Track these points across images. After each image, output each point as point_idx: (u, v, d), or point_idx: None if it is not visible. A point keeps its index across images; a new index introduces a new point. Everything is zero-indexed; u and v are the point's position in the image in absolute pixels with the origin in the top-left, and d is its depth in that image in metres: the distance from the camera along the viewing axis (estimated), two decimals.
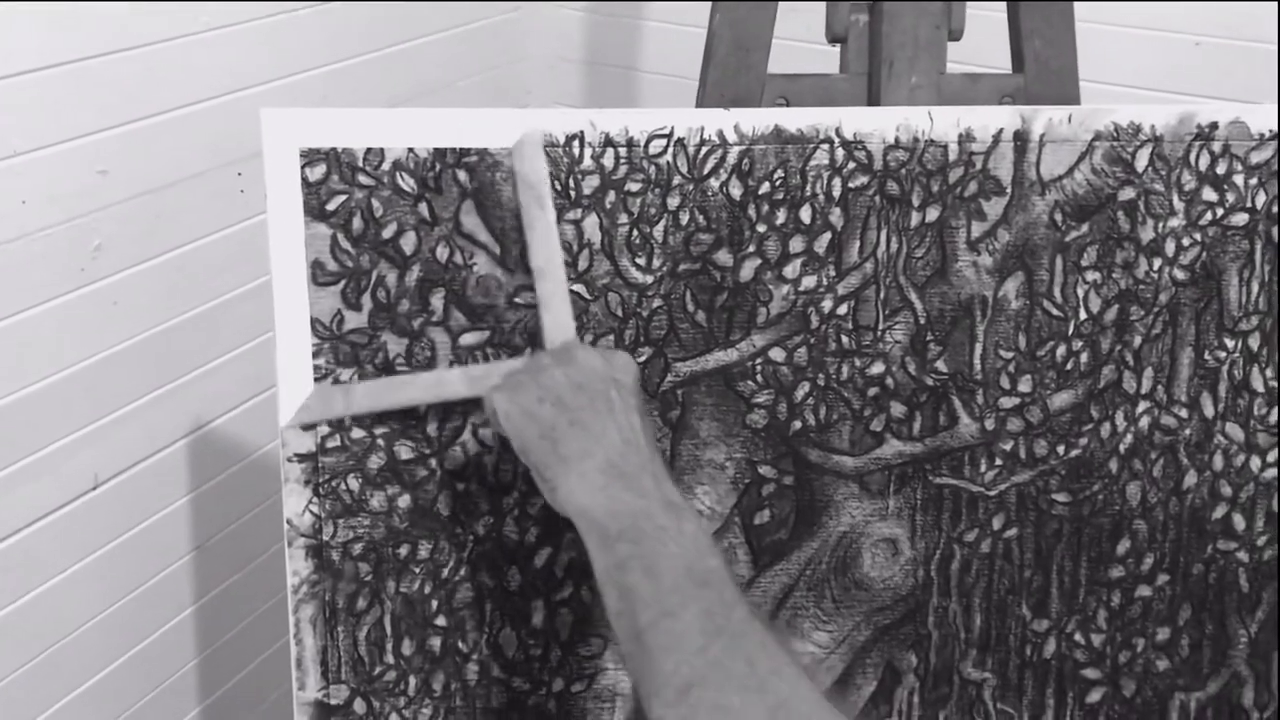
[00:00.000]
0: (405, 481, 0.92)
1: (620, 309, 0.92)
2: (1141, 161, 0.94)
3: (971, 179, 0.93)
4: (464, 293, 0.91)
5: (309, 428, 0.90)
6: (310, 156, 0.89)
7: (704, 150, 0.91)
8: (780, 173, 0.92)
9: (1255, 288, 0.96)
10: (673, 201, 0.92)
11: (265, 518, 1.64)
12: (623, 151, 0.91)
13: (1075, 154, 0.94)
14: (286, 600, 0.92)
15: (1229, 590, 0.99)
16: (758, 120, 0.92)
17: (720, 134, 0.91)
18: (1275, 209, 0.95)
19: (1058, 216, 0.94)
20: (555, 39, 1.98)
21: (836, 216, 0.93)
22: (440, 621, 0.93)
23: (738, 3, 1.02)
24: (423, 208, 0.90)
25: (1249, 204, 0.95)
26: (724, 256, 0.93)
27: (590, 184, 0.91)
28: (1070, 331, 0.96)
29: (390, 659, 0.93)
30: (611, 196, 0.91)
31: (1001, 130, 0.93)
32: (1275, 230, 0.96)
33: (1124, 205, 0.94)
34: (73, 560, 1.41)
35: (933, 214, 0.94)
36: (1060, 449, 0.97)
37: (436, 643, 0.94)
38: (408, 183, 0.89)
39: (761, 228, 0.93)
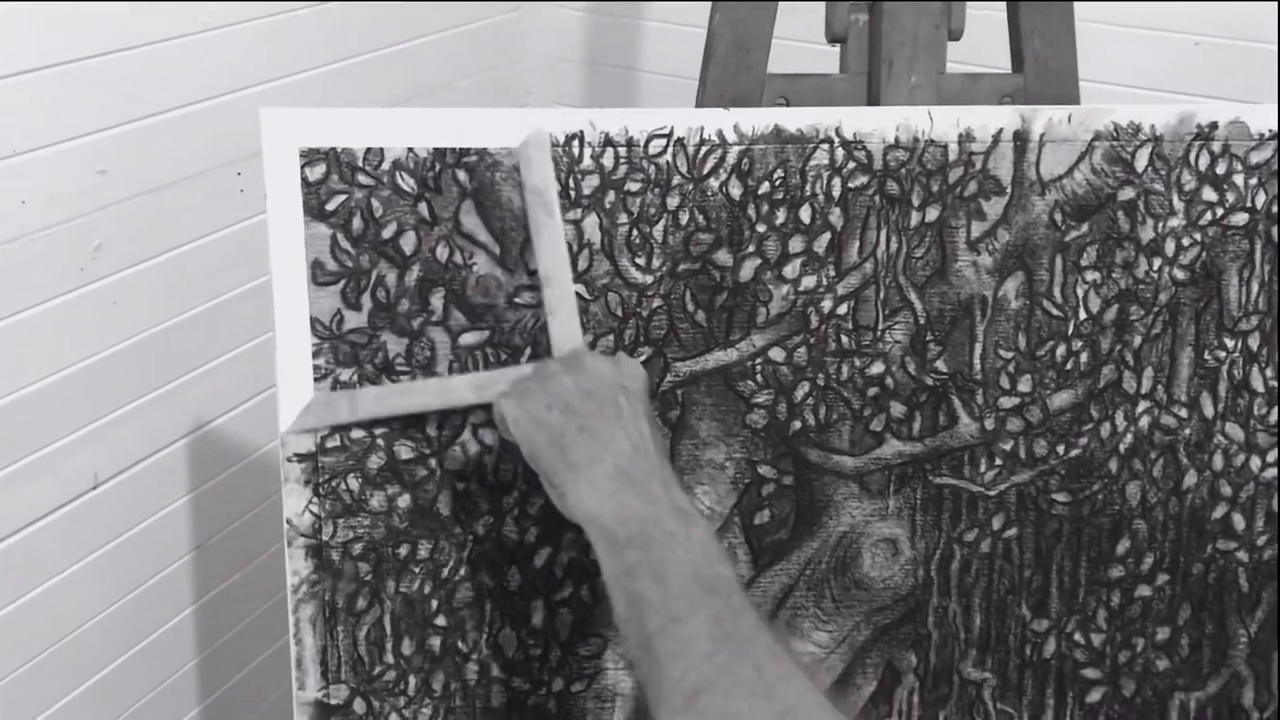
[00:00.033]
0: (405, 481, 0.92)
1: (620, 309, 0.92)
2: (1141, 161, 0.94)
3: (971, 179, 0.93)
4: (464, 292, 0.91)
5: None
6: (310, 156, 0.89)
7: (704, 150, 0.91)
8: (780, 172, 0.92)
9: (1255, 287, 0.96)
10: (672, 201, 0.92)
11: (265, 518, 1.64)
12: (622, 151, 0.91)
13: (1075, 154, 0.94)
14: (286, 600, 0.92)
15: (1229, 590, 0.99)
16: (757, 120, 0.92)
17: (720, 134, 0.91)
18: (1275, 209, 0.95)
19: (1057, 216, 0.94)
20: (555, 39, 1.98)
21: (836, 216, 0.93)
22: (440, 621, 0.93)
23: (738, 3, 1.02)
24: (422, 207, 0.90)
25: (1249, 204, 0.95)
26: (724, 256, 0.93)
27: (590, 184, 0.91)
28: (1070, 331, 0.96)
29: (390, 659, 0.93)
30: (611, 196, 0.91)
31: (1001, 130, 0.93)
32: (1275, 230, 0.96)
33: (1124, 205, 0.94)
34: (72, 560, 1.41)
35: (932, 214, 0.94)
36: (1060, 449, 0.97)
37: (436, 642, 0.94)
38: (407, 182, 0.89)
39: (761, 227, 0.93)
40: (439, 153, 0.89)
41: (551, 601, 0.94)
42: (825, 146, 0.92)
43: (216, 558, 1.60)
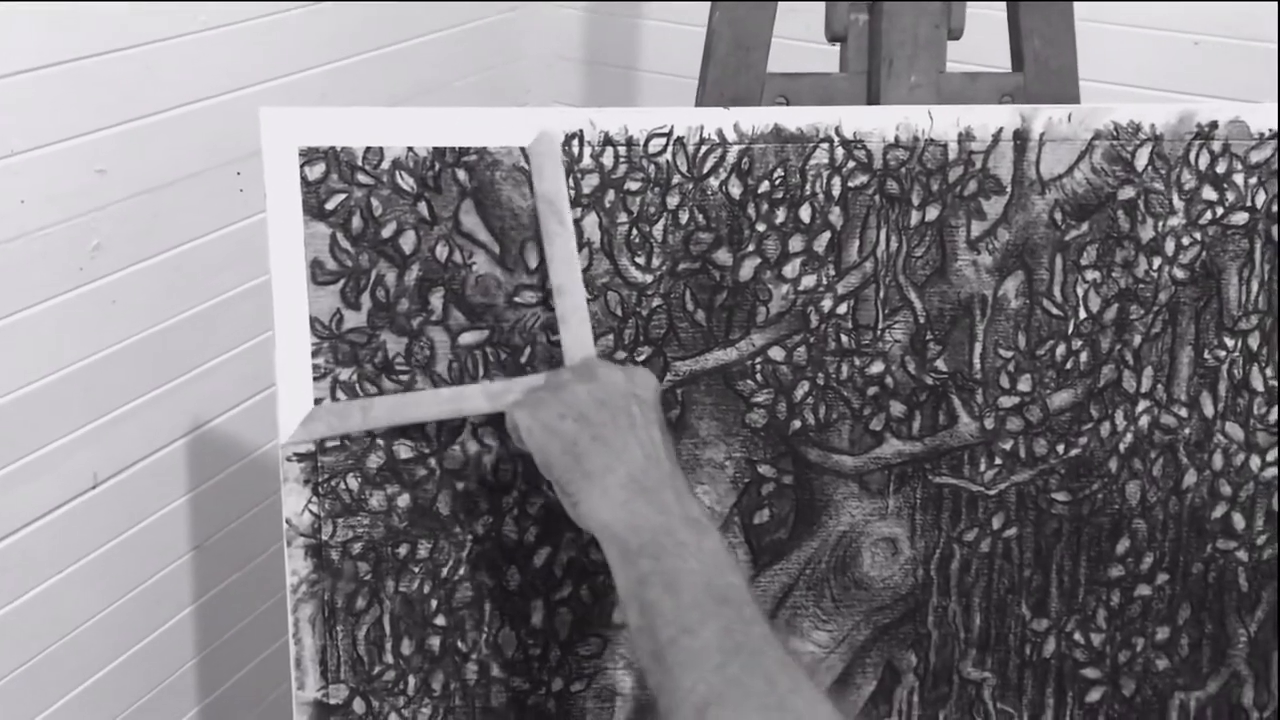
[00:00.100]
0: (405, 481, 0.91)
1: (620, 308, 0.92)
2: (1141, 160, 0.94)
3: (971, 178, 0.93)
4: (463, 292, 0.91)
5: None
6: (309, 155, 0.89)
7: (703, 149, 0.91)
8: (780, 172, 0.92)
9: (1255, 287, 0.96)
10: (672, 200, 0.92)
11: (264, 517, 1.64)
12: (622, 150, 0.91)
13: (1075, 153, 0.94)
14: (286, 600, 0.92)
15: (1228, 589, 0.99)
16: (757, 119, 0.92)
17: (720, 133, 0.91)
18: (1275, 208, 0.95)
19: (1057, 215, 0.94)
20: (554, 38, 1.98)
21: (836, 215, 0.93)
22: (439, 621, 0.93)
23: (737, 2, 1.02)
24: (422, 207, 0.90)
25: (1249, 203, 0.95)
26: (723, 255, 0.93)
27: (590, 183, 0.91)
28: (1070, 330, 0.96)
29: (389, 658, 0.93)
30: (611, 195, 0.91)
31: (1001, 129, 0.93)
32: (1275, 229, 0.95)
33: (1124, 204, 0.94)
34: (72, 560, 1.41)
35: (932, 213, 0.94)
36: (1060, 448, 0.97)
37: (436, 642, 0.94)
38: (407, 182, 0.89)
39: (761, 227, 0.93)
40: (438, 152, 0.89)
41: (551, 601, 0.94)
42: (825, 146, 0.92)
43: (216, 557, 1.60)
